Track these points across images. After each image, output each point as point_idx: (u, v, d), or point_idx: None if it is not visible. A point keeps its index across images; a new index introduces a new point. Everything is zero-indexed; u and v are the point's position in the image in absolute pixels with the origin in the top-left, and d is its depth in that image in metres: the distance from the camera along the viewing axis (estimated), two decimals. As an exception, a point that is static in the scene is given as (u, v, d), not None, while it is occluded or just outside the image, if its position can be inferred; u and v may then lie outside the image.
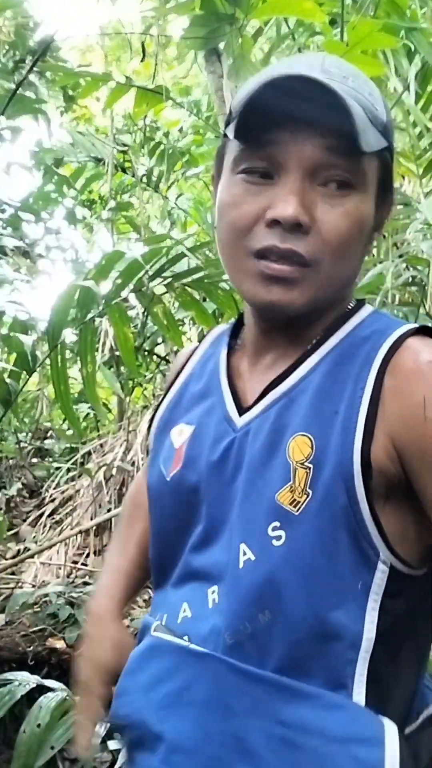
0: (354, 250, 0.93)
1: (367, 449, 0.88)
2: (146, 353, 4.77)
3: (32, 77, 3.80)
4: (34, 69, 3.43)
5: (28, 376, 2.69)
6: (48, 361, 2.53)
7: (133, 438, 4.06)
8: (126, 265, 2.50)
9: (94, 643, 1.12)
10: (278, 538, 0.89)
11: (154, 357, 5.13)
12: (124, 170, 5.11)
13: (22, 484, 4.88)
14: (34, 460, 5.27)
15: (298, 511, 0.89)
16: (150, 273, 2.58)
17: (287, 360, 0.99)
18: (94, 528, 3.74)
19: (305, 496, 0.89)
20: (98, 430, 4.92)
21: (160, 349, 5.19)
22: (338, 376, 0.94)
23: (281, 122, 0.87)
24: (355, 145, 0.86)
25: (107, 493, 3.86)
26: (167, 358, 4.86)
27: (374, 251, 4.19)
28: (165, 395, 1.13)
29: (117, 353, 3.69)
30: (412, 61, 3.88)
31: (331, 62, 0.91)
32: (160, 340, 4.86)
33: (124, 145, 5.07)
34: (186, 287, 2.72)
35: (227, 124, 0.96)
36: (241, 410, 0.99)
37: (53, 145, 4.95)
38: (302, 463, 0.90)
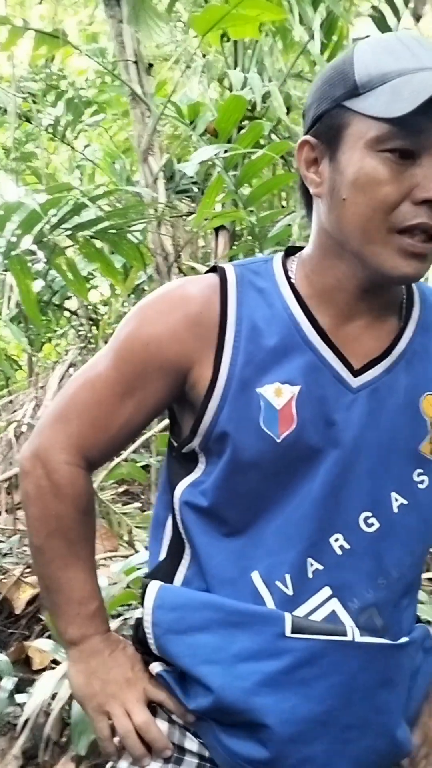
0: None
1: None
2: (56, 307, 4.70)
3: None
4: None
5: None
6: None
7: (42, 394, 4.01)
8: (25, 216, 2.44)
9: (106, 658, 1.13)
10: (422, 482, 1.08)
11: (65, 312, 5.05)
12: (28, 120, 4.95)
13: None
14: None
15: None
16: (51, 223, 2.53)
17: (384, 324, 1.10)
18: (5, 485, 3.69)
19: None
20: (8, 387, 4.84)
21: (72, 304, 5.11)
22: (430, 339, 1.11)
23: None
24: None
25: (17, 450, 3.80)
26: (77, 312, 4.79)
27: (284, 203, 4.20)
28: (220, 352, 1.05)
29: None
30: (316, 10, 3.85)
31: None
32: (70, 293, 4.79)
33: (29, 93, 4.91)
34: (90, 239, 2.68)
35: (348, 96, 0.99)
36: (352, 371, 1.06)
37: None
38: None
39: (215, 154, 2.91)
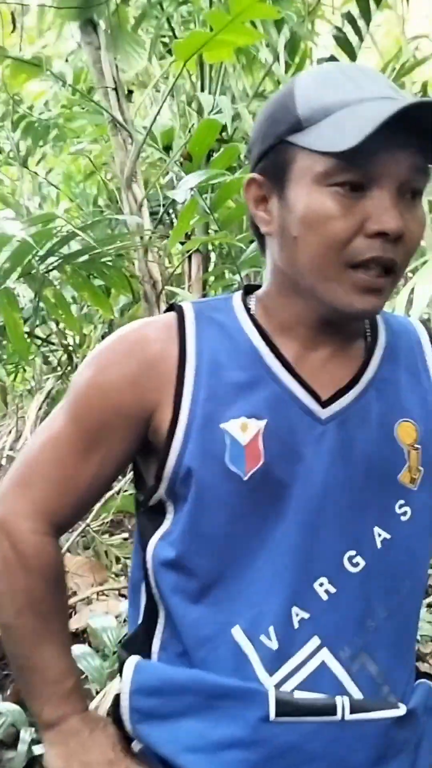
0: None
1: None
2: (26, 335, 4.61)
3: None
4: None
5: None
6: None
7: (22, 424, 3.93)
8: (14, 248, 2.39)
9: (85, 738, 1.05)
10: (404, 513, 1.04)
11: (35, 339, 4.96)
12: (-10, 147, 4.87)
13: None
14: None
15: (415, 486, 1.04)
16: (39, 255, 2.48)
17: (350, 352, 1.07)
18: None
19: (419, 473, 1.05)
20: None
21: (41, 331, 5.03)
22: (399, 366, 1.08)
23: (382, 141, 0.90)
24: None
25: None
26: (49, 339, 4.72)
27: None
28: (180, 389, 1.01)
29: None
30: (280, 31, 3.88)
31: (389, 82, 0.99)
32: (38, 321, 4.71)
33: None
34: (77, 268, 2.64)
35: (292, 131, 0.97)
36: (320, 401, 1.02)
37: None
38: (413, 446, 1.05)
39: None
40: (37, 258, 2.47)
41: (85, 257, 2.57)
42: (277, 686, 0.96)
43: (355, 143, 0.88)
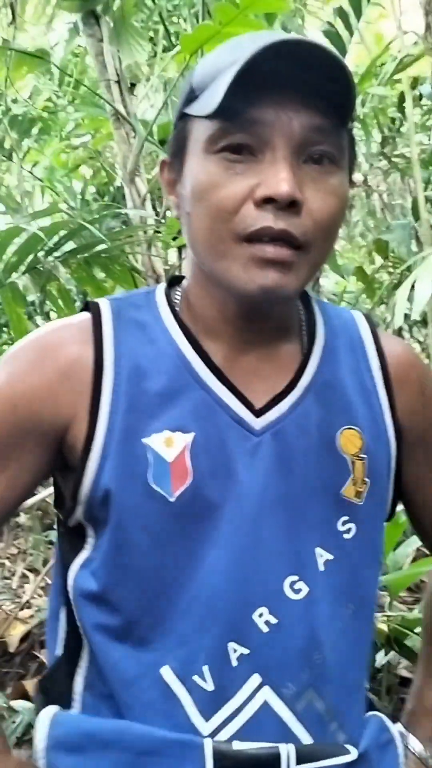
0: (338, 231, 0.90)
1: (399, 435, 1.00)
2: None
3: None
4: None
5: None
6: None
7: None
8: (23, 242, 2.37)
9: None
10: (348, 531, 0.94)
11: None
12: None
13: None
14: None
15: (361, 500, 0.95)
16: (46, 249, 2.46)
17: (284, 354, 0.97)
18: None
19: (365, 485, 0.95)
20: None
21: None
22: (339, 367, 0.99)
23: (269, 96, 0.82)
24: (344, 119, 0.86)
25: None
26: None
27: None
28: (97, 399, 0.91)
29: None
30: (272, 25, 3.88)
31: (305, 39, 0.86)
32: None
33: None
34: (81, 263, 2.62)
35: (188, 103, 0.90)
36: (253, 410, 0.93)
37: None
38: (357, 455, 0.95)
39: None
40: (43, 252, 2.44)
41: (91, 251, 2.55)
42: (215, 732, 0.87)
43: (220, 98, 0.80)
